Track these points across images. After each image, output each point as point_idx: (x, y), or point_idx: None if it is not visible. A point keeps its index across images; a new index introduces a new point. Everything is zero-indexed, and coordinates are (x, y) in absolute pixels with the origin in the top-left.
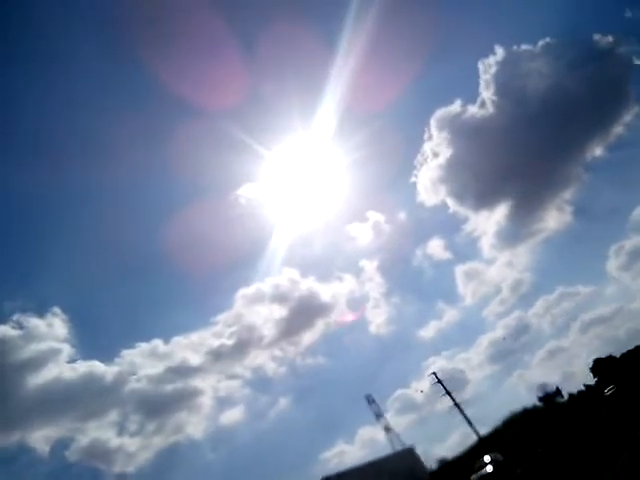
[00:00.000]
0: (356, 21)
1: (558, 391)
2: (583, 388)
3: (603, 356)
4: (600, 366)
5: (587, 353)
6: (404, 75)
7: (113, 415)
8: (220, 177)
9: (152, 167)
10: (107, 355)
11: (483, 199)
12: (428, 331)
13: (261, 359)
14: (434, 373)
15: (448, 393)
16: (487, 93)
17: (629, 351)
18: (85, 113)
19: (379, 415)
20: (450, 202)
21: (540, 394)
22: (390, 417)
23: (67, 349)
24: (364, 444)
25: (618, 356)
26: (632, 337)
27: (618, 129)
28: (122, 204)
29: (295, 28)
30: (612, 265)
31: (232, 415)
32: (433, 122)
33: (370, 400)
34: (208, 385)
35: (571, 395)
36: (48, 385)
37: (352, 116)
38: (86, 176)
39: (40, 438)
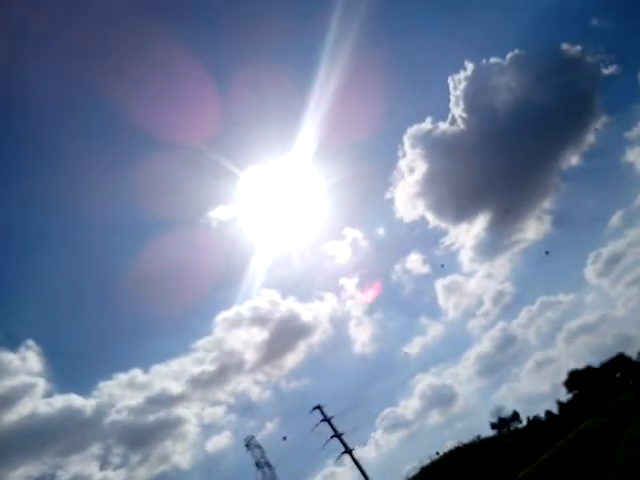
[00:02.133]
0: (332, 51)
1: (515, 416)
2: (556, 408)
3: (584, 366)
4: (576, 379)
5: (575, 362)
6: (378, 95)
7: (94, 448)
8: (194, 201)
9: (123, 196)
10: (84, 388)
11: (462, 212)
12: (413, 347)
13: (245, 384)
14: (318, 407)
15: (334, 431)
16: (457, 109)
17: (611, 360)
18: (51, 142)
19: (260, 464)
20: (429, 216)
21: (494, 419)
22: (379, 435)
23: (42, 383)
24: (354, 464)
25: (598, 366)
26: (619, 344)
27: (589, 138)
28: (95, 233)
29: (271, 61)
30: (591, 272)
31: (219, 442)
32: (406, 139)
33: (250, 444)
34: (191, 413)
35: (533, 421)
36: (24, 421)
37: (328, 141)
38: (57, 203)
39: (19, 477)
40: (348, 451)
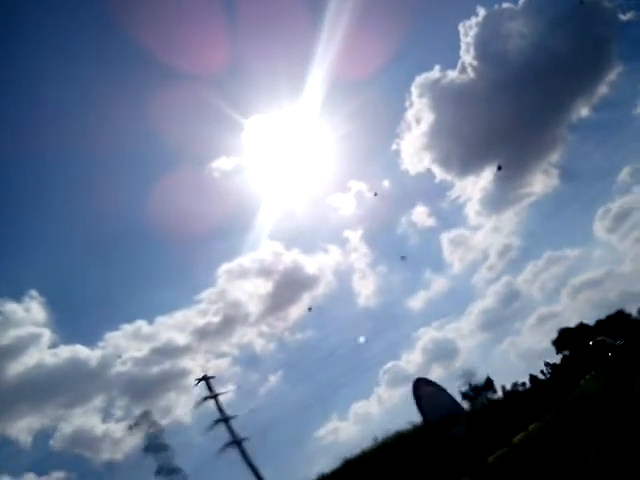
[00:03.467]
0: None
1: (489, 384)
2: (542, 371)
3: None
4: (567, 338)
5: (579, 318)
6: (387, 43)
7: (98, 401)
8: (198, 148)
9: (127, 137)
10: (90, 339)
11: (469, 164)
12: (417, 301)
13: (249, 336)
14: (205, 378)
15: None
16: (467, 56)
17: (608, 317)
18: (54, 75)
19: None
20: (435, 169)
21: (465, 387)
22: (382, 390)
23: (47, 334)
24: (358, 419)
25: (593, 324)
26: (624, 300)
27: (602, 89)
28: (97, 179)
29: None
30: (599, 228)
31: (223, 394)
32: (414, 89)
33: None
34: (196, 364)
35: (510, 391)
36: (29, 372)
37: (334, 87)
38: (57, 148)
39: (22, 428)
40: (237, 442)
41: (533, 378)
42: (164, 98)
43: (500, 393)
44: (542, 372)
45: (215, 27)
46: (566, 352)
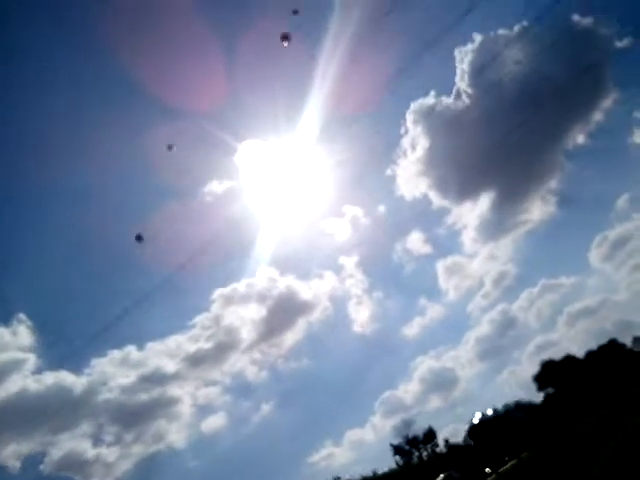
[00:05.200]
0: (337, 25)
1: (430, 436)
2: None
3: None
4: (551, 372)
5: (577, 347)
6: (383, 70)
7: (86, 427)
8: (192, 175)
9: (123, 168)
10: (76, 365)
11: (465, 190)
12: (412, 329)
13: (241, 363)
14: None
15: None
16: (462, 83)
17: (601, 347)
18: (50, 108)
19: None
20: (432, 194)
21: (398, 439)
22: (378, 420)
23: (33, 359)
24: (353, 446)
25: (583, 356)
26: (620, 329)
27: (598, 116)
28: (88, 206)
29: (276, 31)
30: (595, 256)
31: (213, 422)
32: (408, 115)
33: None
34: (186, 393)
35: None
36: (13, 398)
37: (330, 116)
38: (50, 175)
39: (9, 454)
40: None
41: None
42: (158, 130)
43: (442, 447)
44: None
45: (211, 62)
46: (549, 390)
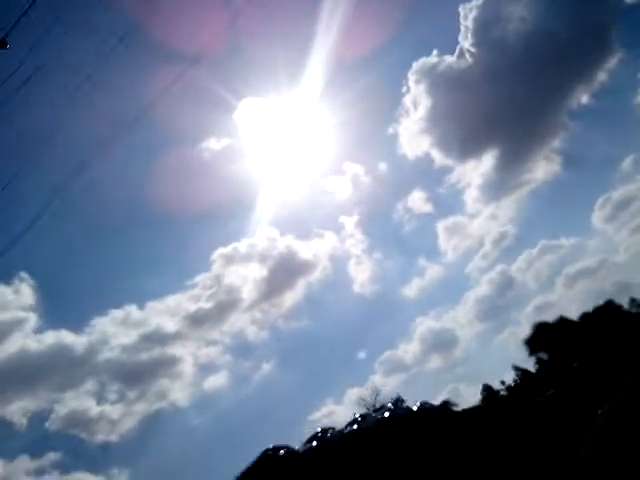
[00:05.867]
0: None
1: (398, 403)
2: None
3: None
4: (544, 336)
5: (576, 308)
6: (385, 24)
7: (90, 385)
8: (193, 130)
9: (120, 117)
10: (77, 324)
11: (468, 149)
12: (412, 289)
13: (242, 323)
14: None
15: None
16: (466, 42)
17: (596, 309)
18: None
19: None
20: (435, 153)
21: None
22: (378, 378)
23: (34, 318)
24: (354, 404)
25: (578, 318)
26: (620, 290)
27: (602, 76)
28: (86, 164)
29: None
30: (597, 217)
31: (215, 381)
32: (410, 75)
33: None
34: (187, 352)
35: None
36: (15, 357)
37: (332, 72)
38: (45, 126)
39: (15, 411)
40: None
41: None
42: (155, 77)
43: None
44: (502, 383)
45: (211, 6)
46: (542, 354)
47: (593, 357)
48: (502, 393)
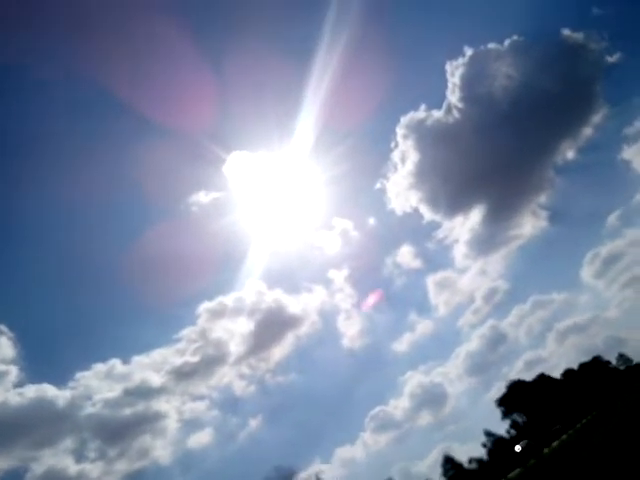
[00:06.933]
0: (329, 38)
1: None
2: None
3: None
4: (519, 395)
5: (566, 363)
6: (375, 83)
7: (69, 442)
8: (183, 184)
9: (108, 180)
10: (60, 378)
11: (456, 204)
12: (402, 344)
13: (229, 377)
14: None
15: None
16: (453, 97)
17: (582, 365)
18: (43, 125)
19: None
20: (423, 208)
21: None
22: (367, 435)
23: (14, 372)
24: (342, 463)
25: (560, 375)
26: (611, 345)
27: (588, 131)
28: (75, 217)
29: (269, 47)
30: (587, 272)
31: (200, 438)
32: (399, 129)
33: None
34: (172, 407)
35: None
36: None
37: (322, 132)
38: (37, 188)
39: None
40: None
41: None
42: (151, 149)
43: None
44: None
45: (202, 80)
46: (517, 417)
47: (570, 417)
48: (469, 467)
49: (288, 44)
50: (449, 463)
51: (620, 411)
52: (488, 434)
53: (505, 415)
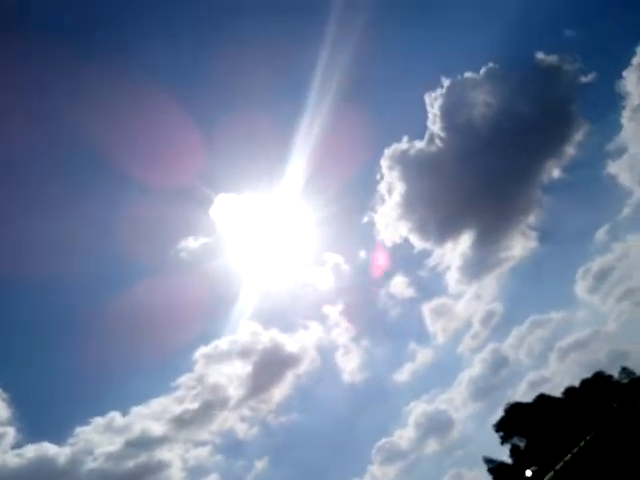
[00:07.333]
0: (320, 82)
1: None
2: None
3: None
4: (517, 418)
5: (570, 380)
6: (361, 125)
7: None
8: (168, 235)
9: (99, 240)
10: (58, 435)
11: (445, 231)
12: (403, 374)
13: (230, 421)
14: None
15: None
16: (434, 126)
17: (584, 381)
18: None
19: None
20: (412, 238)
21: None
22: (376, 468)
23: (12, 433)
24: None
25: (561, 393)
26: (614, 359)
27: (570, 149)
28: (66, 275)
29: (255, 112)
30: (580, 288)
31: None
32: (383, 162)
33: None
34: (175, 455)
35: None
36: None
37: (311, 171)
38: (23, 258)
39: None
40: None
41: None
42: (137, 201)
43: None
44: None
45: (193, 133)
46: (517, 441)
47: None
48: None
49: (277, 93)
50: None
51: (621, 429)
52: (488, 461)
53: (504, 440)
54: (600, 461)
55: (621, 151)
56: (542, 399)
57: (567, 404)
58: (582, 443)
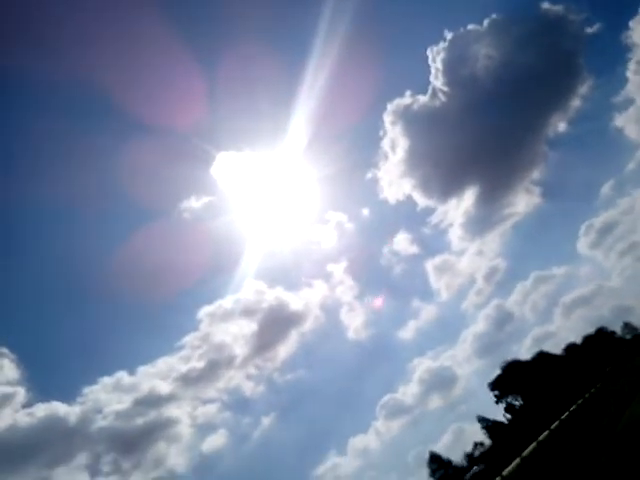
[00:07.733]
0: (323, 38)
1: None
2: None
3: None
4: (515, 376)
5: (575, 336)
6: (364, 81)
7: (83, 458)
8: (174, 190)
9: (105, 189)
10: (68, 394)
11: (449, 188)
12: (407, 332)
13: (237, 379)
14: None
15: None
16: (437, 81)
17: (586, 337)
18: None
19: None
20: (416, 195)
21: None
22: (380, 424)
23: (22, 393)
24: (357, 454)
25: (562, 350)
26: (619, 314)
27: (576, 102)
28: (69, 230)
29: (261, 47)
30: (583, 244)
31: (215, 441)
32: (386, 117)
33: None
34: (183, 412)
35: None
36: (5, 434)
37: (315, 127)
38: (28, 197)
39: None
40: None
41: None
42: (141, 149)
43: None
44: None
45: (195, 76)
46: (514, 399)
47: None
48: (459, 464)
49: (281, 44)
50: (435, 462)
51: (622, 384)
52: (482, 420)
53: (499, 399)
54: (596, 421)
55: (627, 103)
56: (541, 356)
57: (567, 361)
58: (580, 401)
